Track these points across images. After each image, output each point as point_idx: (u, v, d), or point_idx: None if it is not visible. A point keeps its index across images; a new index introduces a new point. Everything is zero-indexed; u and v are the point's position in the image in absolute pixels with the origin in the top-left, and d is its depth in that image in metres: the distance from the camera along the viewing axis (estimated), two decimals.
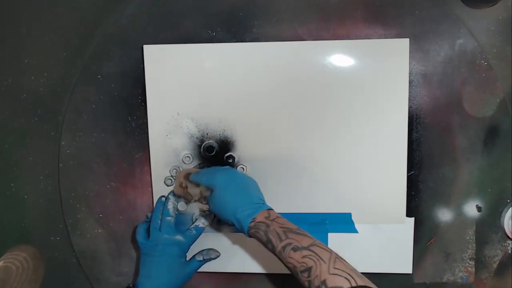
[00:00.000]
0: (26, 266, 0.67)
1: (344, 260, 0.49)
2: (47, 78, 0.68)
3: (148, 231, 0.64)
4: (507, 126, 0.65)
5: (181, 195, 0.65)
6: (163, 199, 0.66)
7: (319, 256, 0.48)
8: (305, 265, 0.49)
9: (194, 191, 0.63)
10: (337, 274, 0.46)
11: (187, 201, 0.66)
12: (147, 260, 0.62)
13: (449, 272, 0.68)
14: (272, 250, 0.53)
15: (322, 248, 0.50)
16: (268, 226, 0.53)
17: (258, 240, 0.55)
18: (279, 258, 0.53)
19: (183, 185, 0.64)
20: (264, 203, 0.57)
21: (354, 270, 0.48)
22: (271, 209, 0.56)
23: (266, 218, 0.54)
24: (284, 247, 0.51)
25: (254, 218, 0.54)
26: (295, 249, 0.50)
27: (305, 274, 0.48)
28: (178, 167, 0.67)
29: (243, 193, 0.56)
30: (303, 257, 0.49)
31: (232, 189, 0.57)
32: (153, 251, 0.61)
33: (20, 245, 0.69)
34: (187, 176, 0.63)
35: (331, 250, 0.50)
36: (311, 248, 0.50)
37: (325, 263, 0.48)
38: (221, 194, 0.57)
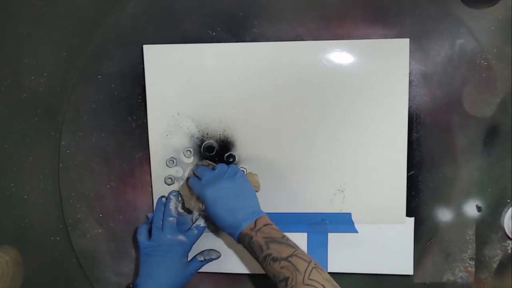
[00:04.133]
0: (6, 271, 0.64)
1: (322, 270, 0.52)
2: (47, 78, 0.68)
3: (149, 231, 0.64)
4: (507, 126, 0.65)
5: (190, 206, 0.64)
6: (164, 199, 0.66)
7: (295, 267, 0.52)
8: (283, 275, 0.52)
9: (192, 204, 0.63)
10: (310, 285, 0.50)
11: (190, 210, 0.65)
12: (148, 261, 0.62)
13: (449, 272, 0.68)
14: (256, 260, 0.56)
15: (301, 258, 0.53)
16: (251, 237, 0.56)
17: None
18: (262, 267, 0.56)
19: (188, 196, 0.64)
20: (253, 212, 0.58)
21: (329, 280, 0.51)
22: (261, 217, 0.57)
23: (251, 229, 0.56)
24: (264, 258, 0.54)
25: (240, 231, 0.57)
26: (275, 259, 0.53)
27: (283, 284, 0.52)
28: (175, 159, 0.67)
29: (230, 209, 0.58)
30: (281, 267, 0.52)
31: (219, 206, 0.58)
32: (156, 252, 0.61)
33: (5, 246, 0.68)
34: (187, 181, 0.64)
35: (310, 259, 0.53)
36: (290, 259, 0.53)
37: (300, 274, 0.51)
38: (210, 209, 0.58)
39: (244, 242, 0.57)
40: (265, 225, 0.57)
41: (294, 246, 0.55)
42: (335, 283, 0.51)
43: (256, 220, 0.57)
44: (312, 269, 0.51)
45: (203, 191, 0.59)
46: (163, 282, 0.60)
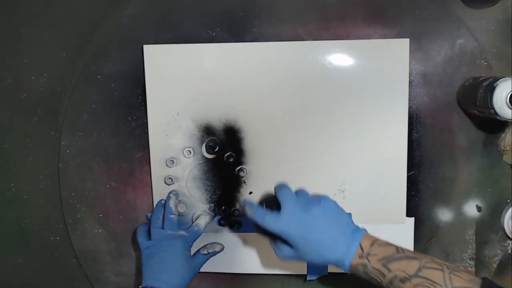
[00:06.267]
0: None
1: (459, 271, 0.46)
2: (47, 78, 0.68)
3: (148, 232, 0.63)
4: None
5: None
6: (163, 201, 0.66)
7: (432, 281, 0.46)
8: None
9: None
10: None
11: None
12: (152, 260, 0.60)
13: None
14: (380, 286, 0.50)
15: (431, 268, 0.47)
16: (365, 266, 0.49)
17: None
18: None
19: None
20: (352, 232, 0.51)
21: (472, 279, 0.45)
22: (363, 236, 0.50)
23: (360, 257, 0.49)
24: (390, 282, 0.48)
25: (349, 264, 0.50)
26: (403, 280, 0.47)
27: None
28: (175, 159, 0.66)
29: (326, 240, 0.50)
30: (415, 286, 0.46)
31: (314, 239, 0.51)
32: (158, 249, 0.60)
33: None
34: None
35: (441, 264, 0.47)
36: (420, 273, 0.46)
37: (441, 286, 0.45)
38: (302, 247, 0.51)
39: (358, 272, 0.50)
40: (371, 244, 0.50)
41: (415, 256, 0.48)
42: (477, 278, 0.46)
43: (360, 244, 0.50)
44: (450, 275, 0.45)
45: (290, 233, 0.51)
46: (170, 278, 0.58)
